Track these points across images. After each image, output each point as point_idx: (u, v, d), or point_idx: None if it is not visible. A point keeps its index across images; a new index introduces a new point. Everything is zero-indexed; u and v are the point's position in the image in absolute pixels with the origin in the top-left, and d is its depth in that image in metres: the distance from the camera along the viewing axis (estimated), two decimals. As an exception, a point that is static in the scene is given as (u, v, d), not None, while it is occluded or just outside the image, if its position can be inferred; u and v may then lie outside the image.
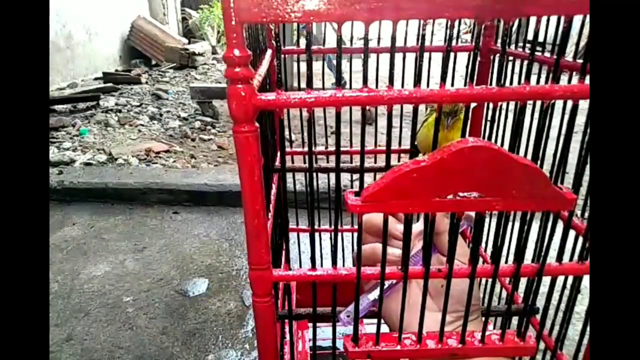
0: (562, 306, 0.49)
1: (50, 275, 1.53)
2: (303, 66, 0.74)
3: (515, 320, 0.42)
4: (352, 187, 0.85)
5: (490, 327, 0.75)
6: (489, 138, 0.66)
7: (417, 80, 0.26)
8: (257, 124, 0.28)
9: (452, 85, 0.30)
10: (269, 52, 0.61)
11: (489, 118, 0.64)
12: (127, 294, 1.43)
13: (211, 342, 1.23)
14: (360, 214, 0.30)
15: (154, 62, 5.50)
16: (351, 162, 0.79)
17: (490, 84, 0.63)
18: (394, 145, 0.78)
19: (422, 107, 0.36)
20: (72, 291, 1.45)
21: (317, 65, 0.72)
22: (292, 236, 0.94)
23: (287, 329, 0.75)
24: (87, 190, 2.09)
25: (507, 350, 0.38)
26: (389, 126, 0.28)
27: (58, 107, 3.32)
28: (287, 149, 0.78)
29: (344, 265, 0.38)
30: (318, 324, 0.46)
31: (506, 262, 0.40)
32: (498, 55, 0.57)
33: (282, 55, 0.66)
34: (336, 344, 0.44)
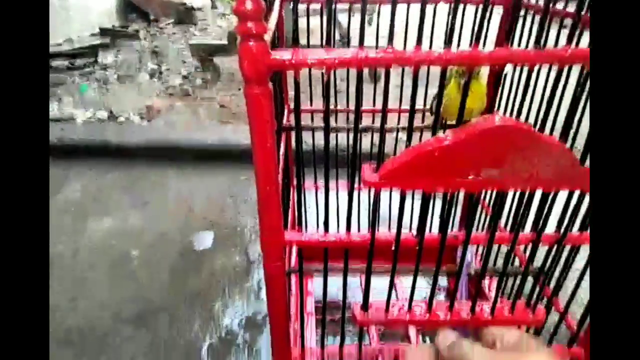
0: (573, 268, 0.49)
1: (54, 231, 1.55)
2: (306, 20, 0.70)
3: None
4: (360, 146, 0.83)
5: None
6: (507, 103, 0.64)
7: (448, 40, 0.24)
8: (270, 85, 0.27)
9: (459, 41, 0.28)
10: (277, 1, 0.57)
11: (507, 80, 0.61)
12: (133, 248, 1.46)
13: (217, 294, 1.26)
14: (377, 190, 0.29)
15: (152, 17, 5.30)
16: (360, 122, 0.77)
17: (509, 42, 0.60)
18: (404, 105, 0.76)
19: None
20: (78, 246, 1.47)
21: (315, 21, 0.69)
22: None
23: (293, 282, 0.77)
24: (88, 147, 2.07)
25: (516, 321, 0.38)
26: (414, 88, 0.26)
27: (55, 63, 3.23)
28: (291, 105, 0.76)
29: (350, 226, 0.37)
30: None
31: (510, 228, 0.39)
32: (524, 10, 0.53)
33: (284, 4, 0.62)
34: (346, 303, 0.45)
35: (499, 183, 0.29)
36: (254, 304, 1.24)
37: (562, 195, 0.38)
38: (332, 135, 0.82)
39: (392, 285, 0.36)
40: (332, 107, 0.74)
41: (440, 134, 0.27)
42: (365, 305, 0.37)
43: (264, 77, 0.26)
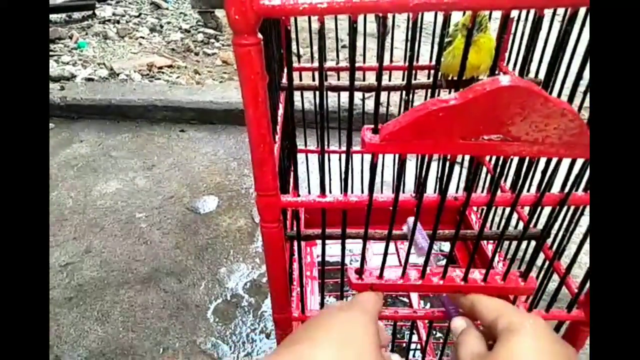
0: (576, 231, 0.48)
1: (63, 191, 1.56)
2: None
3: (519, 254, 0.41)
4: (364, 106, 0.80)
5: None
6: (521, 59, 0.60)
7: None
8: (260, 36, 0.25)
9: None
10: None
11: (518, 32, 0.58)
12: (140, 210, 1.47)
13: (223, 256, 1.28)
14: (377, 154, 0.28)
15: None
16: (364, 79, 0.74)
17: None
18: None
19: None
20: (86, 207, 1.49)
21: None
22: (301, 157, 0.93)
23: (295, 248, 0.77)
24: (91, 107, 2.05)
25: (507, 289, 0.38)
26: (413, 39, 0.24)
27: (52, 17, 3.14)
28: (295, 65, 0.73)
29: (352, 190, 0.36)
30: (327, 242, 0.45)
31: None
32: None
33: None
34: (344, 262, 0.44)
35: (504, 147, 0.28)
36: (258, 266, 1.25)
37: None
38: (335, 94, 0.79)
39: (387, 247, 0.36)
40: (334, 64, 0.71)
41: (445, 94, 0.25)
42: (360, 270, 0.36)
43: (253, 25, 0.24)
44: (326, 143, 0.34)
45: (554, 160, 0.34)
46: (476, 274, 0.37)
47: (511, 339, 0.29)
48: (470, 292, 0.36)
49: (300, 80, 0.71)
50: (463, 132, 0.27)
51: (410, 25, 0.23)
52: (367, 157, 0.88)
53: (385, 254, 0.36)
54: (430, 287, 0.37)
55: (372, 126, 0.28)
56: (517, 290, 0.37)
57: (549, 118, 0.26)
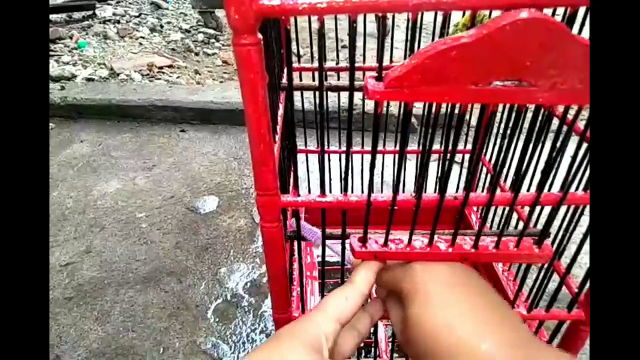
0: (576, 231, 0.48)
1: (63, 191, 1.56)
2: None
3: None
4: (363, 106, 0.80)
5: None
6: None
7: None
8: (260, 35, 0.25)
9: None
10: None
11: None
12: (140, 210, 1.47)
13: (223, 256, 1.28)
14: (382, 102, 0.25)
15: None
16: (364, 79, 0.74)
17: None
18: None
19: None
20: (87, 207, 1.49)
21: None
22: (301, 157, 0.93)
23: (295, 247, 0.77)
24: (91, 107, 2.05)
25: (521, 256, 0.35)
26: (413, 39, 0.24)
27: (52, 17, 3.15)
28: (295, 65, 0.73)
29: (353, 190, 0.36)
30: (327, 242, 0.45)
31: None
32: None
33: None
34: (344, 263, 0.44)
35: (520, 94, 0.25)
36: (258, 266, 1.25)
37: (569, 151, 0.36)
38: (335, 94, 0.79)
39: (390, 226, 0.35)
40: (334, 64, 0.71)
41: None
42: (363, 237, 0.36)
43: (253, 25, 0.24)
44: (326, 143, 0.34)
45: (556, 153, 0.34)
46: (487, 241, 0.35)
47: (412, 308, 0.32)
48: (481, 260, 0.34)
49: (300, 80, 0.71)
50: (475, 76, 0.24)
51: (410, 25, 0.23)
52: (367, 157, 0.88)
53: (388, 228, 0.35)
54: (438, 255, 0.35)
55: (376, 74, 0.26)
56: (531, 257, 0.35)
57: (569, 57, 0.23)
